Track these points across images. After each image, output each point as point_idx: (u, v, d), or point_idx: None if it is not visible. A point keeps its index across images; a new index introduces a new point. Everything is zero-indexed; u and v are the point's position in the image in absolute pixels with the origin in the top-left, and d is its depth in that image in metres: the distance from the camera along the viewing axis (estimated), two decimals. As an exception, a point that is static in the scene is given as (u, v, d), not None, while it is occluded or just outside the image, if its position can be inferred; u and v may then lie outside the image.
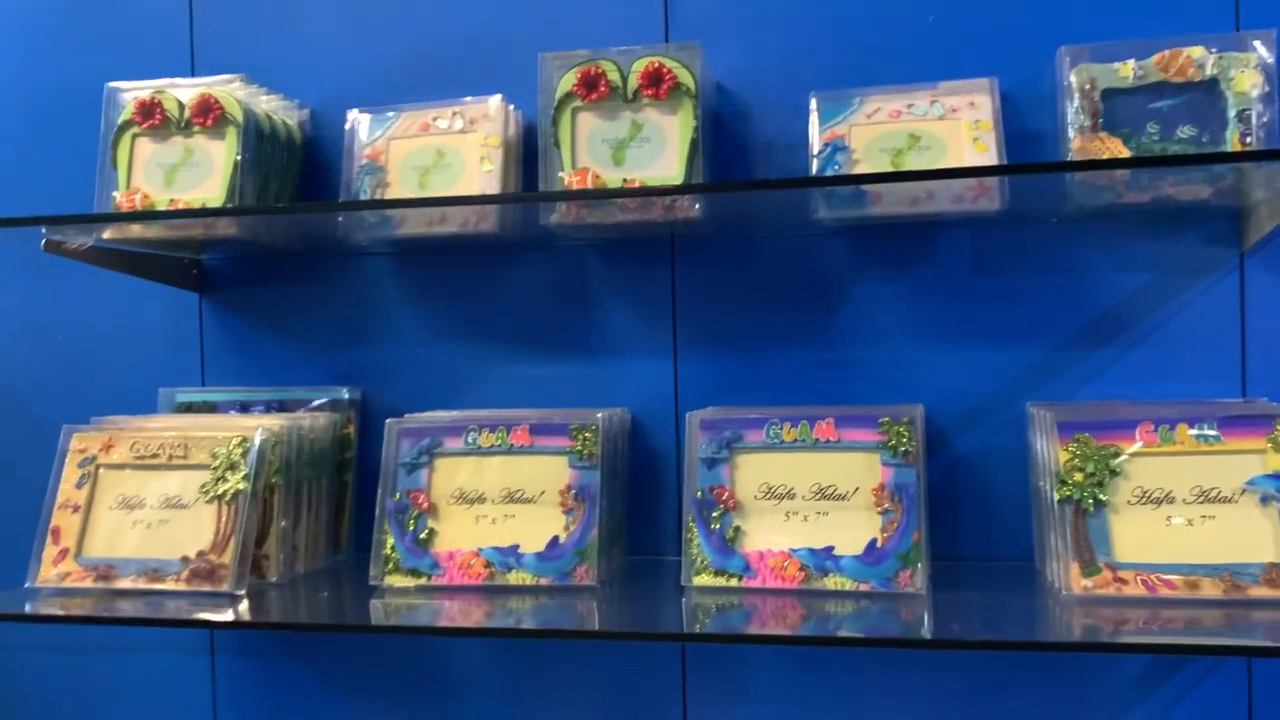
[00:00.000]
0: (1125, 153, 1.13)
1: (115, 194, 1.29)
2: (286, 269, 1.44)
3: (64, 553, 1.22)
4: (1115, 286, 1.24)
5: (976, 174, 1.06)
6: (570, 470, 1.19)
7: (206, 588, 1.17)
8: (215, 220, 1.24)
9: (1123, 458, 1.09)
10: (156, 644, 1.47)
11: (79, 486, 1.25)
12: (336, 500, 1.37)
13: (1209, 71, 1.13)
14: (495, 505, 1.20)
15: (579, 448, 1.19)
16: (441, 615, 1.12)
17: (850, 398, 1.29)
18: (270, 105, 1.34)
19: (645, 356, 1.35)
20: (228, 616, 1.12)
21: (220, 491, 1.20)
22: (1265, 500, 1.06)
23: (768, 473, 1.16)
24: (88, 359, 1.49)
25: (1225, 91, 1.12)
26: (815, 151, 1.20)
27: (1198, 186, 1.13)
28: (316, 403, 1.39)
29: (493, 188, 1.27)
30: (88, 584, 1.20)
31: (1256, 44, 1.13)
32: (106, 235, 1.28)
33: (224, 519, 1.20)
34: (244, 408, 1.41)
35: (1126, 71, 1.15)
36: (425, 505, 1.21)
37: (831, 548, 1.12)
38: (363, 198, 1.29)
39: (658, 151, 1.20)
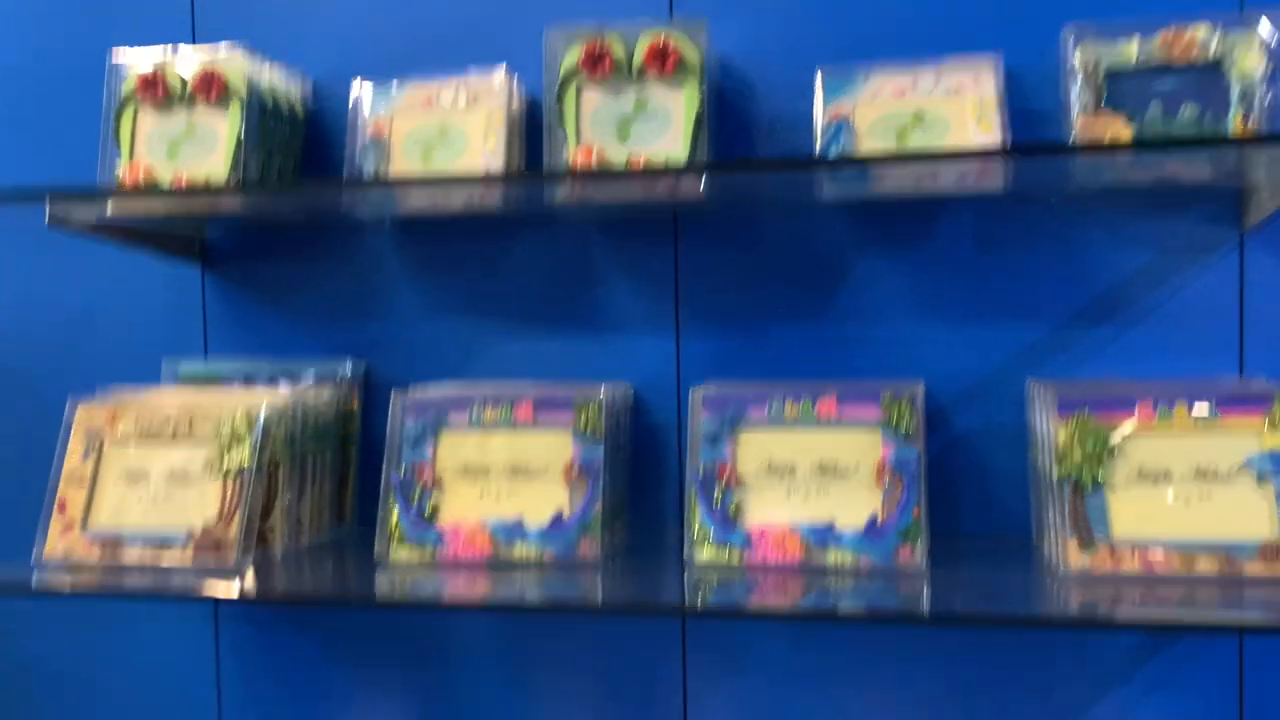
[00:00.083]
0: (1128, 132, 1.13)
1: (118, 167, 1.29)
2: (289, 242, 1.44)
3: (70, 525, 1.23)
4: (1116, 265, 1.25)
5: (980, 156, 1.07)
6: (574, 445, 1.20)
7: (212, 560, 1.18)
8: (219, 195, 1.24)
9: (1121, 436, 1.10)
10: (160, 614, 1.48)
11: (85, 459, 1.25)
12: (340, 473, 1.38)
13: (1213, 52, 1.13)
14: (499, 480, 1.21)
15: (582, 423, 1.20)
16: (446, 588, 1.13)
17: (851, 374, 1.30)
18: (272, 77, 1.34)
19: (647, 332, 1.35)
20: (234, 589, 1.13)
21: (225, 465, 1.21)
22: (1262, 479, 1.07)
23: (769, 449, 1.17)
24: (91, 331, 1.49)
25: (1229, 72, 1.13)
26: (820, 129, 1.20)
27: (1199, 167, 1.14)
28: (315, 379, 1.39)
29: (496, 164, 1.27)
30: (94, 556, 1.21)
31: (1261, 24, 1.13)
32: (110, 209, 1.28)
33: (229, 492, 1.21)
34: (248, 380, 1.41)
35: (1131, 51, 1.15)
36: (430, 479, 1.22)
37: (832, 523, 1.14)
38: (366, 173, 1.29)
39: (662, 128, 1.21)
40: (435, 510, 1.21)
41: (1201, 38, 1.13)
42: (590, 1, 1.33)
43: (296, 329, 1.44)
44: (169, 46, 1.33)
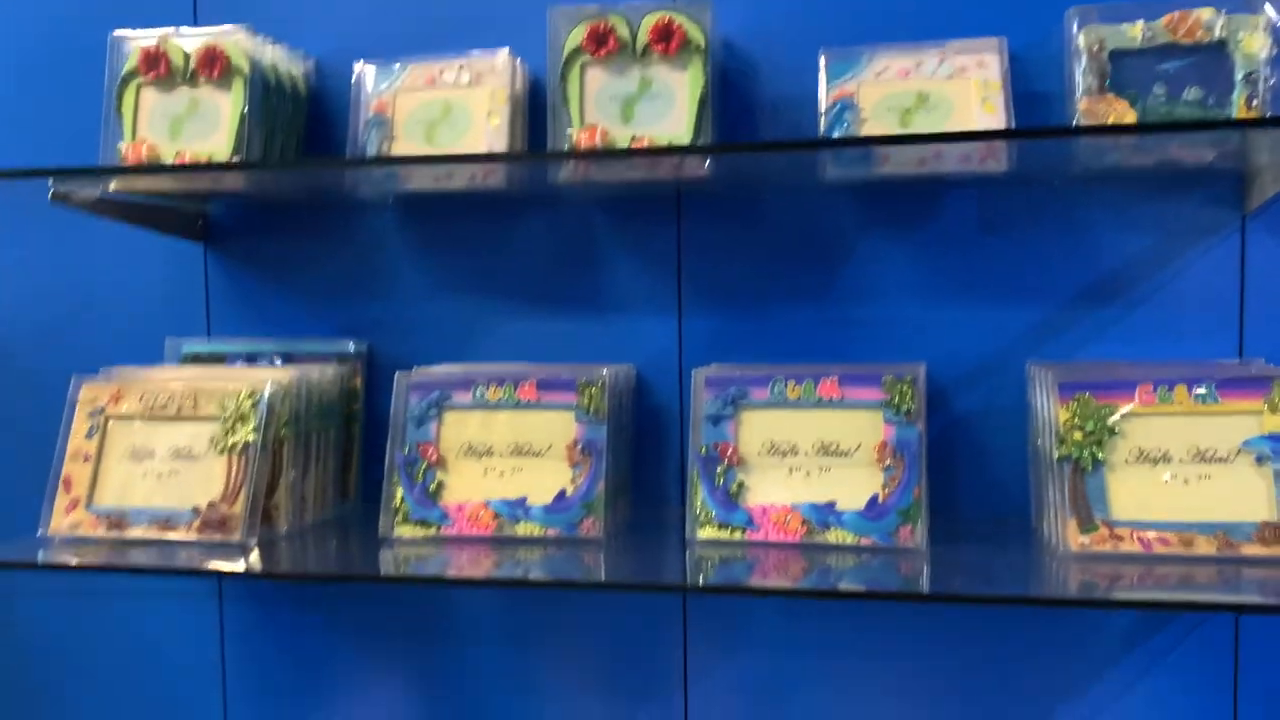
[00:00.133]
0: (1131, 114, 1.13)
1: (121, 144, 1.29)
2: (291, 221, 1.44)
3: (75, 502, 1.23)
4: (1118, 247, 1.26)
5: (984, 138, 1.07)
6: (577, 425, 1.21)
7: (218, 538, 1.19)
8: (222, 173, 1.24)
9: (1122, 417, 1.11)
10: (164, 591, 1.49)
11: (89, 437, 1.26)
12: (343, 451, 1.39)
13: (1218, 33, 1.13)
14: (503, 458, 1.22)
15: (586, 403, 1.21)
16: (450, 565, 1.14)
17: (853, 354, 1.31)
18: (275, 55, 1.34)
19: (650, 312, 1.36)
20: (239, 566, 1.14)
21: (230, 443, 1.22)
22: (1260, 460, 1.08)
23: (772, 430, 1.18)
24: (93, 309, 1.49)
25: (1233, 53, 1.13)
26: (823, 110, 1.20)
27: (1202, 149, 1.14)
28: (318, 357, 1.40)
29: (500, 143, 1.27)
30: (99, 533, 1.21)
31: (1267, 6, 1.12)
32: (113, 187, 1.28)
33: (234, 470, 1.21)
34: (251, 359, 1.42)
35: (1135, 33, 1.15)
36: (434, 458, 1.22)
37: (834, 503, 1.15)
38: (369, 152, 1.29)
39: (666, 108, 1.21)
40: (439, 488, 1.22)
41: (1206, 19, 1.13)
42: (594, -20, 1.32)
43: (299, 308, 1.45)
44: (172, 30, 1.33)
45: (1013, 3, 1.24)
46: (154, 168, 1.25)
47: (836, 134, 1.18)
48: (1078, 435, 1.11)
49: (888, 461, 1.14)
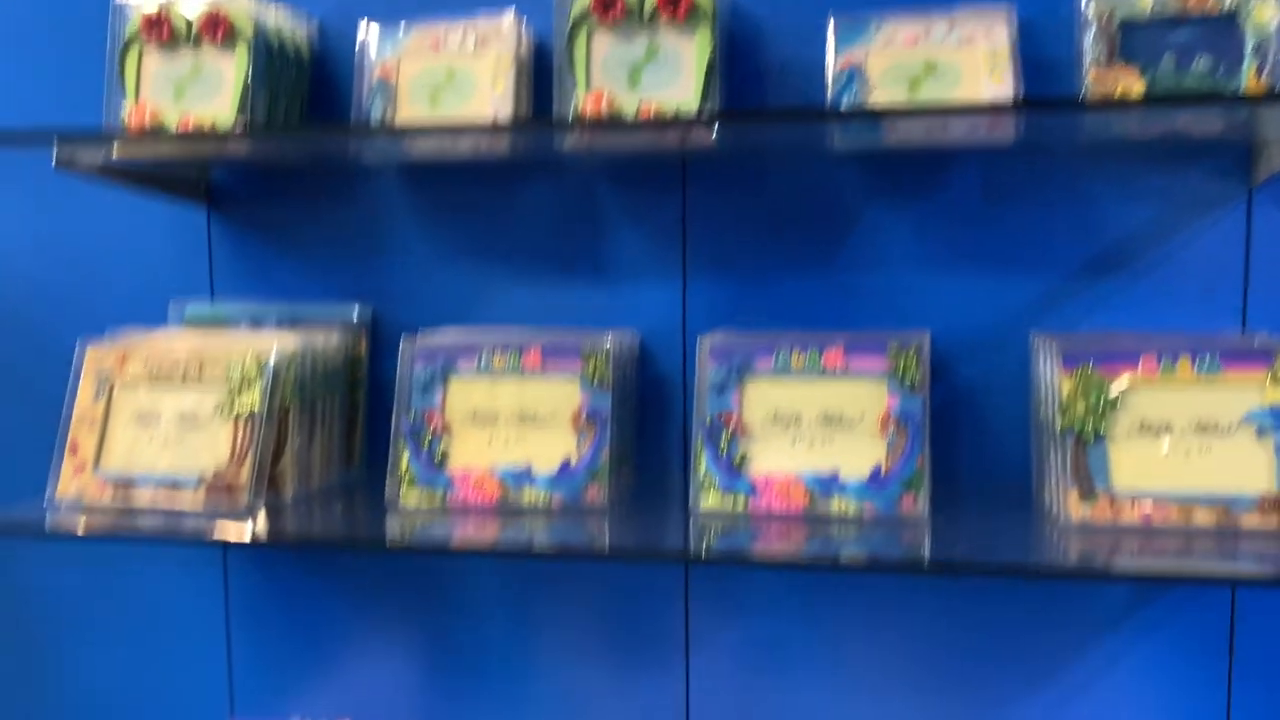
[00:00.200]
0: (1140, 87, 1.13)
1: (123, 108, 1.28)
2: (295, 185, 1.43)
3: (82, 466, 1.24)
4: (1123, 218, 1.25)
5: (992, 112, 1.07)
6: (581, 394, 1.21)
7: (224, 503, 1.19)
8: (228, 140, 1.24)
9: (1124, 389, 1.12)
10: (169, 556, 1.50)
11: (95, 401, 1.26)
12: (348, 417, 1.39)
13: (1228, 4, 1.12)
14: (508, 426, 1.22)
15: (590, 372, 1.21)
16: (456, 532, 1.15)
17: (856, 323, 1.31)
18: (278, 17, 1.32)
19: (654, 280, 1.36)
20: (246, 532, 1.15)
21: (236, 409, 1.22)
22: (1262, 432, 1.09)
23: (776, 399, 1.18)
24: (97, 273, 1.49)
25: (1244, 24, 1.12)
26: (831, 78, 1.19)
27: (1210, 121, 1.14)
28: (322, 323, 1.40)
29: (505, 109, 1.26)
30: (106, 498, 1.22)
31: (1279, -24, 1.12)
32: (116, 152, 1.27)
33: (240, 436, 1.22)
34: (255, 323, 1.42)
35: (1145, 2, 1.14)
36: (439, 425, 1.23)
37: (837, 472, 1.15)
38: (374, 118, 1.28)
39: (674, 74, 1.20)
40: (445, 456, 1.22)
41: (1217, -10, 1.12)
42: (601, -56, 1.31)
43: (302, 272, 1.44)
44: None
45: (1022, -30, 1.23)
46: (158, 134, 1.24)
47: (844, 102, 1.18)
48: (1080, 406, 1.12)
49: (891, 431, 1.15)
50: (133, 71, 1.28)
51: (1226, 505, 1.07)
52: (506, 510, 1.19)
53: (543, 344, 1.24)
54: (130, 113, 1.27)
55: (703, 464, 1.18)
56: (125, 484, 1.22)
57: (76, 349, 1.29)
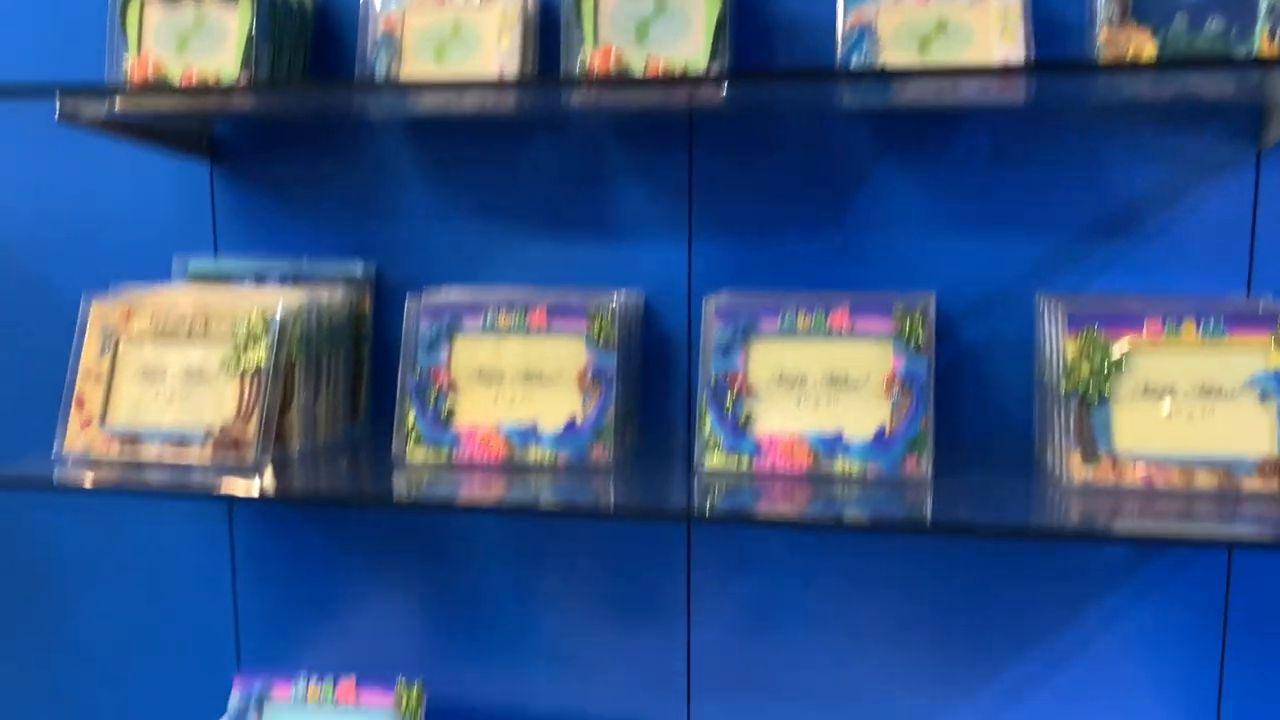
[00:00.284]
0: (1151, 48, 1.12)
1: (126, 60, 1.27)
2: (298, 140, 1.42)
3: (89, 420, 1.24)
4: (1131, 180, 1.25)
5: (1002, 74, 1.06)
6: (587, 353, 1.21)
7: (231, 459, 1.20)
8: (232, 95, 1.23)
9: (1129, 351, 1.12)
10: (173, 510, 1.51)
11: (101, 356, 1.26)
12: (352, 373, 1.39)
13: (1243, -36, 1.11)
14: (514, 385, 1.23)
15: (596, 331, 1.21)
16: (461, 489, 1.15)
17: (862, 284, 1.31)
18: (280, -31, 1.31)
19: (659, 239, 1.35)
20: (253, 488, 1.16)
21: (242, 364, 1.22)
22: (1264, 396, 1.10)
23: (781, 360, 1.19)
24: (99, 227, 1.48)
25: (1258, -15, 1.11)
26: (841, 36, 1.18)
27: (1221, 83, 1.13)
28: (325, 278, 1.40)
29: (511, 64, 1.25)
30: (113, 452, 1.23)
31: (1296, -65, 1.10)
32: (119, 105, 1.26)
33: (246, 391, 1.22)
34: (258, 279, 1.42)
35: (1158, -39, 1.13)
36: (445, 382, 1.23)
37: (841, 433, 1.16)
38: (378, 72, 1.27)
39: (683, 30, 1.19)
40: (451, 413, 1.23)
41: (1233, -51, 1.11)
42: (609, -104, 1.29)
43: (305, 228, 1.44)
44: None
45: (1036, -72, 1.22)
46: (163, 88, 1.23)
47: (854, 61, 1.17)
48: (1085, 368, 1.12)
49: (896, 392, 1.16)
50: (134, 24, 1.27)
51: (1228, 468, 1.07)
52: (512, 468, 1.20)
53: (548, 303, 1.24)
54: (132, 65, 1.26)
55: (707, 424, 1.18)
56: (132, 439, 1.23)
57: (81, 304, 1.28)
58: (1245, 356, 1.11)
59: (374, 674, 1.38)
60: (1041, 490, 1.14)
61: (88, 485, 1.18)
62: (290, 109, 1.35)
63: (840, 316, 1.18)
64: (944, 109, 1.26)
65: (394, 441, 1.23)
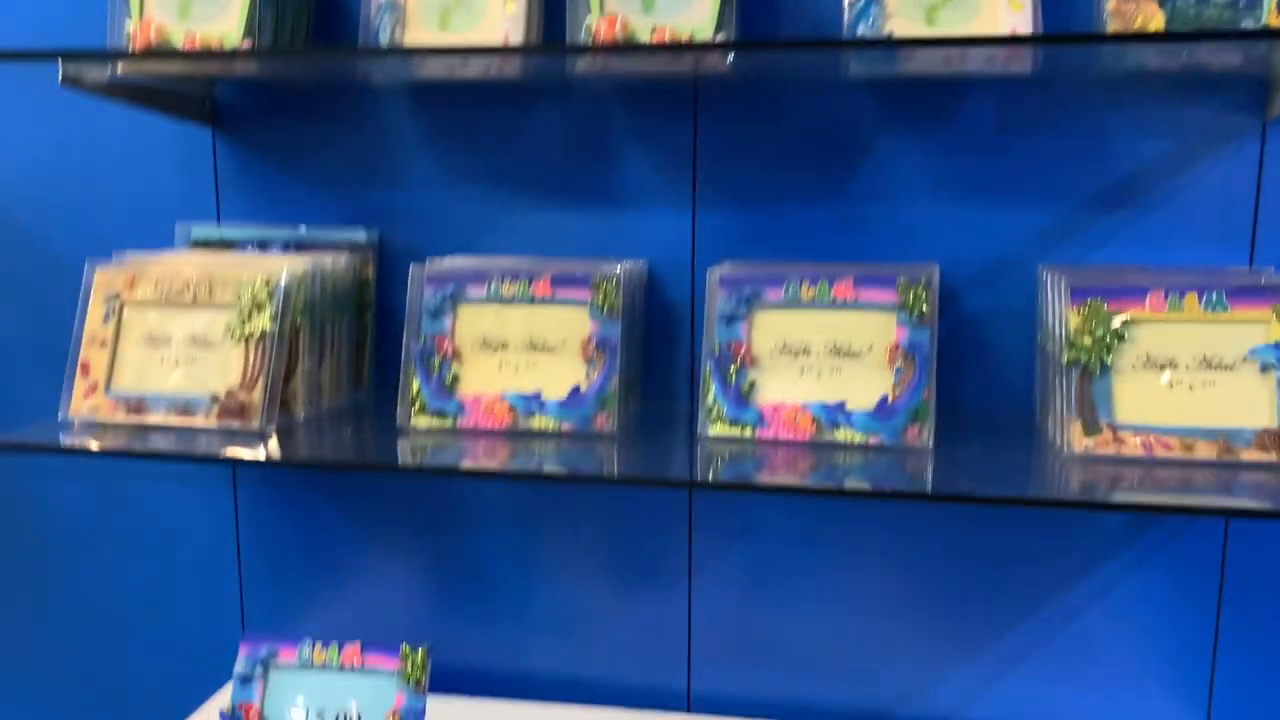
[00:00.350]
0: (1159, 17, 1.11)
1: (127, 24, 1.26)
2: (301, 106, 1.42)
3: (94, 386, 1.25)
4: (1135, 151, 1.25)
5: (1011, 43, 1.06)
6: (591, 322, 1.22)
7: (236, 424, 1.21)
8: (235, 60, 1.22)
9: (1131, 323, 1.12)
10: (179, 474, 1.52)
11: (105, 322, 1.26)
12: (356, 340, 1.40)
13: (1252, -67, 1.10)
14: (518, 353, 1.23)
15: (600, 300, 1.22)
16: (466, 456, 1.16)
17: (867, 253, 1.31)
18: (283, -68, 1.30)
19: (663, 208, 1.35)
20: (259, 453, 1.16)
21: (247, 331, 1.23)
22: (1265, 368, 1.10)
23: (785, 330, 1.19)
24: (101, 192, 1.48)
25: (1267, -45, 1.10)
26: (848, 3, 1.18)
27: (1228, 53, 1.13)
28: (329, 245, 1.40)
29: (516, 30, 1.24)
30: (119, 417, 1.23)
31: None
32: (121, 69, 1.26)
33: (251, 357, 1.22)
34: (261, 246, 1.41)
35: (1167, -70, 1.12)
36: (450, 350, 1.23)
37: (844, 402, 1.16)
38: (381, 38, 1.26)
39: (688, -1, 1.18)
40: (455, 381, 1.23)
41: (1243, -83, 1.10)
42: None
43: (308, 195, 1.44)
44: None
45: (1045, -105, 1.21)
46: (167, 53, 1.22)
47: (861, 29, 1.16)
48: (1087, 340, 1.13)
49: (898, 363, 1.16)
50: (136, -14, 1.26)
51: (1227, 439, 1.08)
52: (516, 436, 1.21)
53: (552, 272, 1.24)
54: (135, 30, 1.25)
55: (711, 393, 1.19)
56: (137, 404, 1.23)
57: (85, 270, 1.28)
58: (1247, 328, 1.11)
59: (378, 639, 1.39)
60: (1042, 460, 1.15)
61: (94, 449, 1.18)
62: (293, 75, 1.35)
63: (844, 287, 1.19)
64: (950, 78, 1.26)
65: (398, 409, 1.23)
